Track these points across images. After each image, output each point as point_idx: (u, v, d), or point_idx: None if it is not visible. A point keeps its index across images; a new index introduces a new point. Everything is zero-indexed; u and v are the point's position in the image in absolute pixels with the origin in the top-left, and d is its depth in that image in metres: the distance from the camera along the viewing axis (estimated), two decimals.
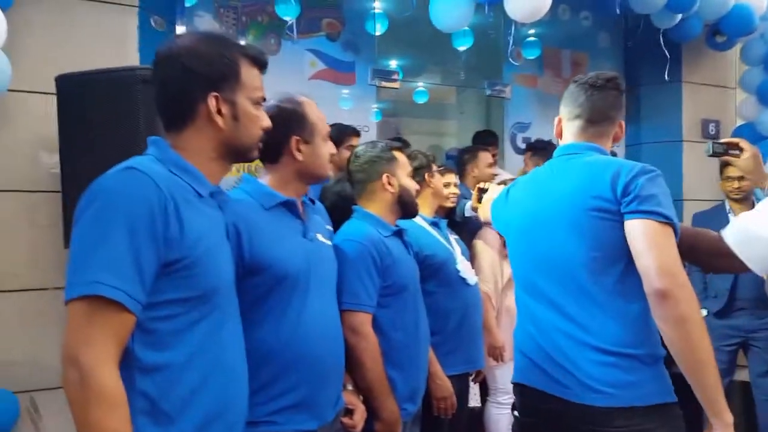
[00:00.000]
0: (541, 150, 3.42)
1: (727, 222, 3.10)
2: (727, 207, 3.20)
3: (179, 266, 1.07)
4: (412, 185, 1.97)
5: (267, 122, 1.26)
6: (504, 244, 2.79)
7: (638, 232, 1.35)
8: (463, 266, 2.33)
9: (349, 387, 1.75)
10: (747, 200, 3.13)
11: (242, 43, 1.23)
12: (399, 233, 1.97)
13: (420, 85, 4.42)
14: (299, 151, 1.50)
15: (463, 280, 2.31)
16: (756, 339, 3.05)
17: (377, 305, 1.81)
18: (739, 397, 3.31)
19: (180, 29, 3.26)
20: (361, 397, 1.77)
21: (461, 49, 3.88)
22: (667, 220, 1.35)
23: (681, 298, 1.29)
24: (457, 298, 2.28)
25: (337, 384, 1.57)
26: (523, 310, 1.60)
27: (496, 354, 2.69)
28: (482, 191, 1.98)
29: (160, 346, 1.07)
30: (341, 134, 2.87)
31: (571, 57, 4.62)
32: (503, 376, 2.83)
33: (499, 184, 2.77)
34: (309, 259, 1.49)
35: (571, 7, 4.48)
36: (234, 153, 1.23)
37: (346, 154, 2.82)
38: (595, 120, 1.55)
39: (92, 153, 1.92)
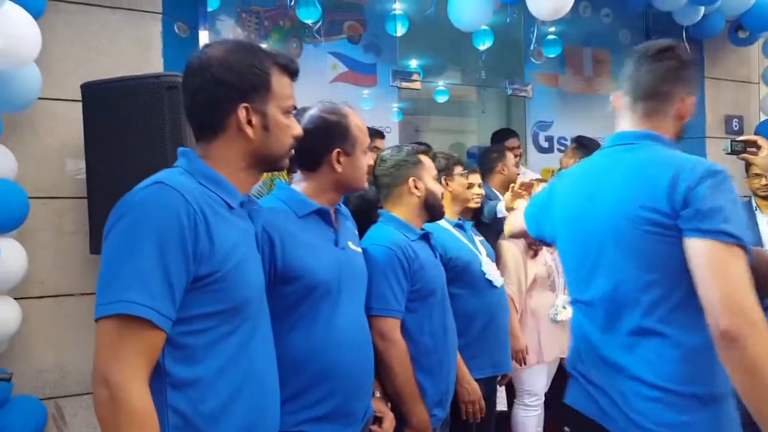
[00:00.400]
0: (586, 148, 3.34)
1: (755, 219, 3.08)
2: (754, 204, 3.14)
3: (210, 280, 1.07)
4: (438, 188, 1.96)
5: (298, 130, 1.24)
6: (529, 245, 2.76)
7: (700, 256, 1.14)
8: (489, 268, 2.31)
9: (378, 394, 1.73)
10: None
11: (272, 50, 1.19)
12: (426, 237, 1.97)
13: (441, 84, 4.41)
14: (339, 162, 1.50)
15: (489, 282, 2.29)
16: None
17: (405, 310, 1.80)
18: None
19: (203, 34, 3.29)
20: (390, 404, 1.76)
21: (482, 48, 3.86)
22: (735, 241, 1.13)
23: (752, 340, 1.07)
24: (483, 300, 2.26)
25: (367, 393, 1.56)
26: (576, 327, 1.44)
27: (519, 358, 2.66)
28: (525, 188, 1.89)
29: (191, 361, 1.06)
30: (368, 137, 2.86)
31: (593, 54, 4.59)
32: (530, 378, 2.81)
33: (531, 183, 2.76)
34: (340, 268, 1.47)
35: (592, 5, 4.45)
36: (264, 162, 1.22)
37: (370, 155, 2.82)
38: (643, 96, 1.34)
39: (118, 160, 1.94)
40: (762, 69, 4.63)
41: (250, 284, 1.16)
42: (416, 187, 1.92)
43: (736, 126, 4.73)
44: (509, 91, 4.21)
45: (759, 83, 4.73)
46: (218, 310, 1.09)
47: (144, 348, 0.99)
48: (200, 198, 1.08)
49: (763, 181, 3.03)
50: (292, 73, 1.22)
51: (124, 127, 1.96)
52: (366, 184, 1.57)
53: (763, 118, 4.65)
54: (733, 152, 1.72)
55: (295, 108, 1.23)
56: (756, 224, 3.08)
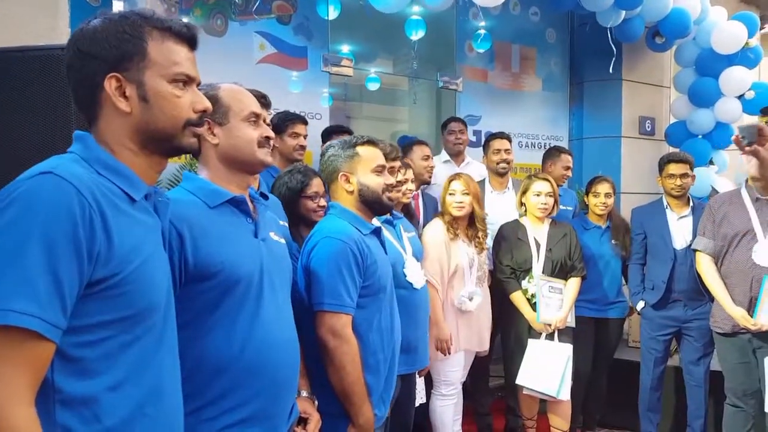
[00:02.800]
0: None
1: (665, 217, 3.27)
2: (665, 203, 3.33)
3: (108, 285, 0.95)
4: (375, 182, 1.85)
5: (201, 103, 1.10)
6: (447, 230, 2.77)
7: None
8: (411, 269, 2.29)
9: (304, 394, 1.67)
10: (684, 197, 3.27)
11: (152, 14, 1.07)
12: (377, 232, 1.91)
13: (372, 72, 4.35)
14: (213, 134, 1.38)
15: (410, 284, 2.27)
16: (689, 329, 3.21)
17: (356, 306, 1.74)
18: (672, 382, 3.50)
19: (117, 4, 3.06)
20: (317, 404, 1.71)
21: (414, 38, 3.84)
22: None
23: None
24: (403, 302, 2.15)
25: (292, 393, 1.48)
26: None
27: (443, 347, 2.69)
28: None
29: (85, 375, 0.94)
30: (284, 121, 2.74)
31: (521, 52, 4.68)
32: (447, 368, 2.85)
33: None
34: (262, 260, 1.38)
35: (521, 3, 4.53)
36: (156, 141, 1.07)
37: (290, 142, 2.73)
38: None
39: (15, 141, 1.73)
40: (673, 74, 4.92)
41: (156, 288, 1.04)
42: (348, 182, 1.85)
43: (648, 127, 5.02)
44: (440, 84, 4.22)
45: (670, 87, 5.03)
46: (118, 318, 0.97)
47: (29, 363, 0.86)
48: (97, 190, 0.95)
49: (678, 182, 3.21)
50: (184, 38, 1.08)
51: (23, 104, 1.75)
52: (263, 157, 1.44)
53: (672, 120, 4.95)
54: (749, 144, 1.73)
55: (189, 77, 1.09)
56: (666, 222, 3.27)
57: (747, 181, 2.87)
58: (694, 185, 3.43)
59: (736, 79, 4.36)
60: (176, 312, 1.16)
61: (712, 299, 2.97)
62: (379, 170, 1.87)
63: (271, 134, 1.48)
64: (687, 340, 3.23)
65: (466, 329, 2.87)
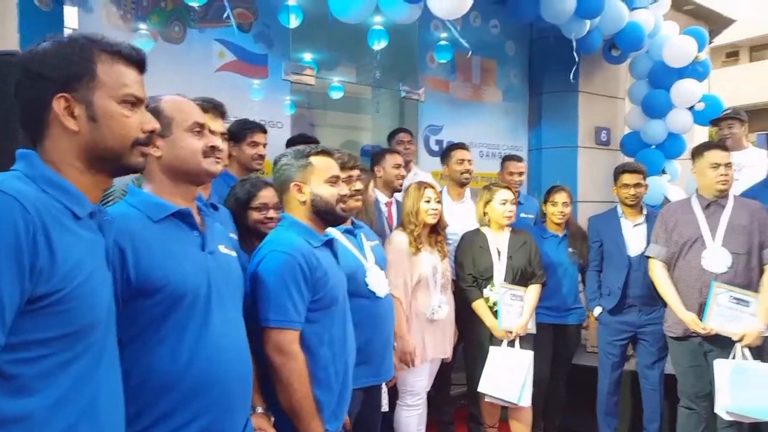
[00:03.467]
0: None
1: (620, 225, 3.36)
2: (619, 211, 3.42)
3: (49, 302, 0.94)
4: (328, 193, 1.83)
5: (150, 124, 1.13)
6: (410, 243, 2.78)
7: None
8: (374, 278, 2.26)
9: (259, 410, 1.64)
10: (638, 206, 3.36)
11: (102, 38, 1.11)
12: (329, 243, 1.89)
13: (335, 81, 4.34)
14: (156, 147, 1.36)
15: (373, 293, 2.24)
16: (644, 333, 3.29)
17: (305, 320, 1.71)
18: (628, 386, 3.58)
19: (70, 10, 2.97)
20: (273, 419, 1.67)
21: (376, 47, 3.86)
22: None
23: None
24: (365, 311, 2.18)
25: (244, 410, 1.45)
26: None
27: (407, 359, 2.69)
28: None
29: (20, 393, 0.92)
30: (242, 130, 2.69)
31: (481, 63, 4.75)
32: (412, 379, 2.84)
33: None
34: (209, 274, 1.36)
35: (482, 15, 4.61)
36: (104, 160, 1.09)
37: (249, 151, 2.68)
38: None
39: None
40: (628, 86, 5.08)
41: (98, 305, 1.03)
42: (300, 192, 1.82)
43: (604, 137, 5.16)
44: (402, 94, 4.25)
45: (625, 99, 5.19)
46: (58, 335, 0.95)
47: None
48: (41, 207, 0.95)
49: (632, 191, 3.31)
50: (133, 61, 1.13)
51: None
52: (211, 167, 1.42)
53: (627, 130, 5.10)
54: None
55: (137, 99, 1.12)
56: (621, 230, 3.36)
57: (697, 189, 2.98)
58: (648, 194, 3.54)
59: (686, 91, 4.53)
60: (121, 328, 1.15)
61: (665, 304, 3.07)
62: (333, 181, 1.85)
63: (217, 143, 1.46)
64: (642, 345, 3.32)
65: (432, 338, 2.88)
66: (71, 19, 2.98)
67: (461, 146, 3.54)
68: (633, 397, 3.56)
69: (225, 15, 3.06)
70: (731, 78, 18.31)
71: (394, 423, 2.89)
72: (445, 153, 3.59)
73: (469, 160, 3.49)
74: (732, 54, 20.01)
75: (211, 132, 1.48)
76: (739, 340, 2.70)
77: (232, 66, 3.49)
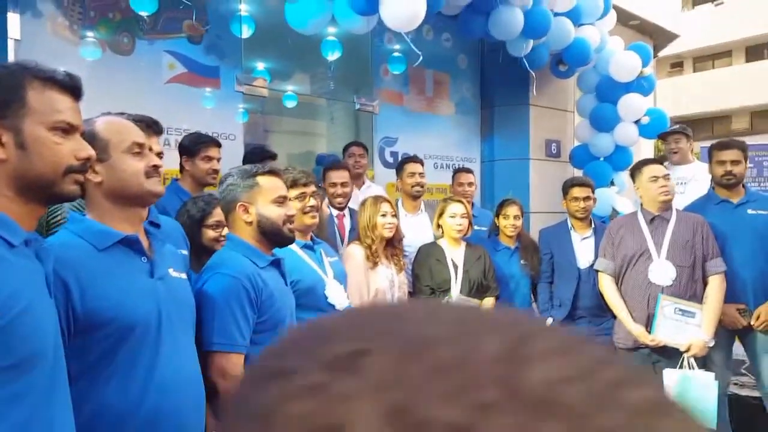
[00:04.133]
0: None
1: (569, 238, 3.45)
2: (569, 224, 3.51)
3: None
4: (275, 213, 1.80)
5: (85, 151, 1.10)
6: (367, 257, 2.78)
7: None
8: (333, 291, 2.26)
9: None
10: (587, 219, 3.46)
11: (35, 65, 1.09)
12: (277, 263, 1.86)
13: (289, 90, 4.31)
14: (95, 172, 1.33)
15: (332, 306, 2.24)
16: None
17: (250, 342, 1.68)
18: None
19: (12, 17, 2.84)
20: None
21: (330, 58, 3.85)
22: None
23: None
24: None
25: None
26: None
27: None
28: None
29: None
30: (196, 144, 2.64)
31: (434, 76, 4.80)
32: None
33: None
34: (159, 302, 1.33)
35: (434, 28, 4.66)
36: (35, 188, 1.06)
37: (203, 165, 2.63)
38: None
39: None
40: (576, 100, 5.23)
41: (41, 335, 1.00)
42: (247, 213, 1.79)
43: (554, 149, 5.30)
44: (357, 106, 4.26)
45: (574, 112, 5.34)
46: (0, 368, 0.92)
47: None
48: None
49: (582, 204, 3.40)
50: (67, 87, 1.11)
51: None
52: (152, 187, 1.38)
53: (576, 143, 5.25)
54: None
55: (71, 126, 1.10)
56: (570, 242, 3.45)
57: (641, 204, 3.09)
58: (596, 205, 3.64)
59: (632, 105, 4.70)
60: (69, 364, 1.11)
61: (614, 316, 3.16)
62: (280, 201, 1.82)
63: (159, 162, 1.42)
64: None
65: None
66: (14, 28, 2.86)
67: (413, 159, 3.57)
68: None
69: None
70: (676, 88, 19.15)
71: None
72: (399, 166, 3.62)
73: (421, 173, 3.52)
74: (676, 64, 20.93)
75: (151, 150, 1.44)
76: (686, 351, 2.80)
77: (182, 78, 3.42)
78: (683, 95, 18.97)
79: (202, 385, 1.46)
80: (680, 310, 2.84)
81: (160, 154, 1.92)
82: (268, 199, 1.80)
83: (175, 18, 3.25)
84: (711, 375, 2.77)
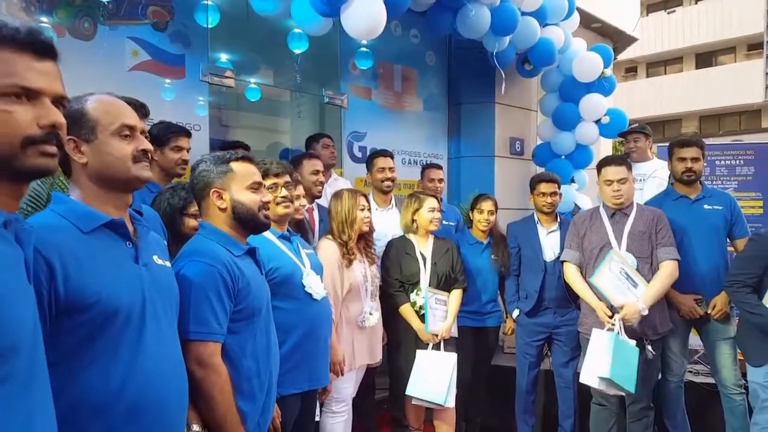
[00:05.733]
0: None
1: (536, 232, 3.51)
2: (536, 219, 3.58)
3: None
4: (250, 199, 1.77)
5: (49, 117, 0.97)
6: (343, 255, 2.77)
7: None
8: (311, 280, 2.25)
9: (195, 427, 1.57)
10: (553, 213, 3.53)
11: None
12: (252, 252, 1.83)
13: (253, 82, 4.23)
14: (81, 152, 1.28)
15: (309, 295, 2.23)
16: (559, 334, 3.46)
17: (227, 332, 1.65)
18: (543, 385, 3.74)
19: None
20: None
21: (297, 52, 3.80)
22: None
23: None
24: (302, 313, 2.19)
25: (180, 426, 1.40)
26: None
27: (336, 369, 2.66)
28: None
29: None
30: (165, 134, 2.59)
31: (403, 72, 4.81)
32: (339, 386, 2.82)
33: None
34: (143, 289, 1.29)
35: (402, 24, 4.67)
36: None
37: (172, 155, 2.58)
38: None
39: None
40: (540, 99, 5.33)
41: (17, 325, 0.91)
42: (221, 199, 1.76)
43: (518, 147, 5.39)
44: (325, 99, 4.23)
45: (537, 111, 5.44)
46: None
47: None
48: None
49: (549, 200, 3.46)
50: (25, 45, 0.96)
51: None
52: (141, 172, 1.33)
53: (539, 141, 5.35)
54: None
55: (27, 89, 0.96)
56: (537, 236, 3.51)
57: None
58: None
59: (593, 104, 4.81)
60: (48, 349, 1.03)
61: (578, 307, 3.24)
62: (255, 187, 1.79)
63: (149, 147, 1.37)
64: (557, 345, 3.48)
65: (360, 345, 2.88)
66: None
67: (383, 153, 3.56)
68: (549, 395, 3.72)
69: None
70: (631, 92, 19.77)
71: (319, 430, 2.85)
72: (369, 160, 3.61)
73: (391, 168, 3.52)
74: (631, 69, 21.61)
75: (142, 134, 1.38)
76: (619, 313, 2.86)
77: (146, 65, 3.32)
78: (637, 99, 19.60)
79: (186, 376, 1.43)
80: (626, 273, 2.92)
81: (144, 135, 1.86)
82: (242, 185, 1.77)
83: (138, 4, 3.15)
84: (633, 342, 2.86)
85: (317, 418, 2.70)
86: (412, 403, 3.09)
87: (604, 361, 2.79)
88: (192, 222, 2.09)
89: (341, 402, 2.85)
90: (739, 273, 2.91)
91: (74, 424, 1.14)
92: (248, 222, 1.78)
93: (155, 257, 1.39)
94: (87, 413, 1.16)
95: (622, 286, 2.91)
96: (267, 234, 2.22)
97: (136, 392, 1.23)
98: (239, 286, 1.67)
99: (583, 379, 2.93)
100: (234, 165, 1.78)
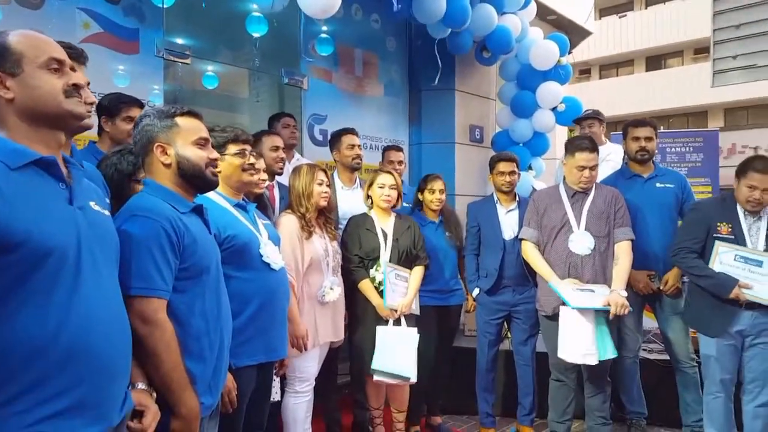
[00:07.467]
0: None
1: (496, 211, 3.55)
2: (495, 198, 3.61)
3: None
4: (197, 155, 1.71)
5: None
6: (302, 227, 2.73)
7: None
8: (269, 250, 2.20)
9: (140, 386, 1.51)
10: (512, 193, 3.57)
11: None
12: (198, 210, 1.76)
13: (212, 61, 4.13)
14: (6, 87, 1.22)
15: (267, 264, 2.19)
16: (518, 312, 3.50)
17: (173, 290, 1.59)
18: (503, 363, 3.78)
19: None
20: (155, 395, 1.55)
21: (256, 35, 3.73)
22: None
23: None
24: (259, 282, 2.14)
25: (123, 380, 1.35)
26: None
27: (299, 344, 2.62)
28: None
29: None
30: (117, 104, 2.51)
31: (363, 56, 4.79)
32: (302, 365, 2.78)
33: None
34: (79, 231, 1.24)
35: (363, 9, 4.64)
36: None
37: (124, 126, 2.50)
38: None
39: None
40: (498, 87, 5.41)
41: None
42: (165, 154, 1.69)
43: (478, 135, 5.44)
44: (285, 80, 4.16)
45: (496, 100, 5.52)
46: None
47: None
48: None
49: (508, 178, 3.50)
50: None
51: None
52: (69, 107, 1.27)
53: (498, 129, 5.43)
54: None
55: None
56: (497, 215, 3.54)
57: (564, 178, 3.23)
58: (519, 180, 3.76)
59: (550, 92, 4.91)
60: None
61: (536, 284, 3.28)
62: (202, 143, 1.73)
63: (81, 82, 1.31)
64: (516, 323, 3.52)
65: (323, 321, 2.84)
66: None
67: (351, 131, 3.53)
68: (508, 374, 3.77)
69: None
70: (584, 93, 20.28)
71: (281, 411, 2.80)
72: (335, 138, 3.55)
73: (360, 146, 3.50)
74: (585, 71, 22.19)
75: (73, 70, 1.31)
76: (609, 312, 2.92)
77: (98, 38, 3.20)
78: (591, 100, 20.14)
79: (129, 327, 1.37)
80: (589, 289, 2.98)
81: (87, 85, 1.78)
82: (188, 140, 1.70)
83: None
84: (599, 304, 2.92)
85: (278, 398, 2.64)
86: (375, 379, 3.06)
87: (590, 348, 2.88)
88: (140, 187, 2.01)
89: (305, 381, 2.81)
90: (683, 240, 3.02)
91: (6, 369, 1.09)
92: (194, 178, 1.72)
93: (92, 203, 1.33)
94: (19, 358, 1.10)
95: (588, 294, 2.95)
96: (222, 202, 2.17)
97: (72, 339, 1.17)
98: (185, 242, 1.60)
99: (560, 355, 2.97)
100: (179, 119, 1.71)
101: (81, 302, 1.20)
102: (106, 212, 1.39)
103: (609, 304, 2.90)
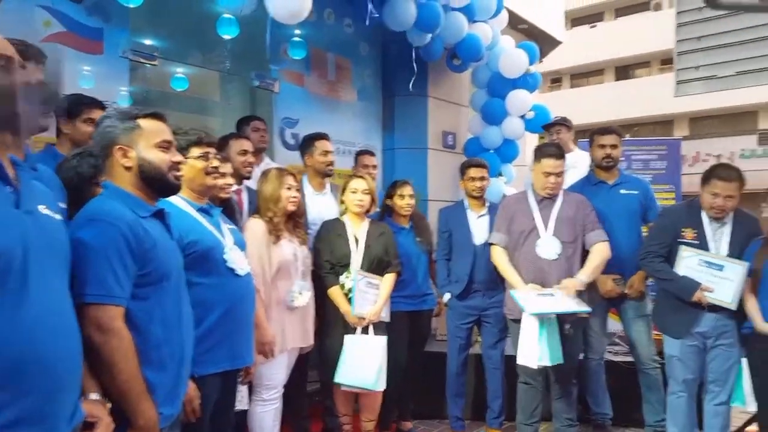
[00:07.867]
0: None
1: (466, 216, 3.56)
2: (466, 204, 3.63)
3: None
4: (159, 158, 1.67)
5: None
6: (270, 231, 2.70)
7: None
8: (233, 256, 2.17)
9: (93, 396, 1.45)
10: (482, 198, 3.60)
11: None
12: (160, 214, 1.73)
13: (179, 71, 4.06)
14: None
15: (231, 270, 2.15)
16: (487, 316, 3.52)
17: (132, 297, 1.55)
18: (473, 368, 3.79)
19: None
20: (109, 406, 1.49)
21: (226, 37, 3.68)
22: None
23: None
24: (223, 289, 2.10)
25: (73, 392, 1.29)
26: None
27: (266, 350, 2.58)
28: None
29: None
30: (77, 105, 2.45)
31: (336, 61, 4.77)
32: (270, 371, 2.74)
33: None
34: (26, 237, 1.18)
35: (335, 13, 4.63)
36: None
37: (84, 128, 2.44)
38: None
39: None
40: (470, 94, 5.45)
41: None
42: (126, 157, 1.65)
43: (451, 141, 5.47)
44: (255, 83, 4.12)
45: (468, 106, 5.56)
46: None
47: None
48: None
49: (478, 183, 3.52)
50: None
51: None
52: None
53: (469, 135, 5.47)
54: None
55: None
56: (467, 220, 3.56)
57: (532, 185, 3.26)
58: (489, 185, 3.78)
59: (519, 100, 4.97)
60: None
61: (505, 288, 3.31)
62: (165, 146, 1.69)
63: (32, 80, 1.27)
64: (486, 327, 3.54)
65: (292, 327, 2.80)
66: None
67: (325, 137, 3.47)
68: (478, 378, 3.78)
69: None
70: (555, 101, 20.60)
71: (248, 419, 2.75)
72: (307, 143, 3.50)
73: (332, 152, 3.47)
74: (556, 80, 22.56)
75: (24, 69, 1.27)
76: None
77: (60, 37, 3.11)
78: (562, 108, 20.47)
79: (79, 337, 1.31)
80: (549, 293, 2.99)
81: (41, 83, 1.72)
82: (150, 142, 1.67)
83: None
84: (554, 316, 2.95)
85: (245, 407, 2.60)
86: (342, 388, 3.04)
87: (542, 351, 2.89)
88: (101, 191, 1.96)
89: (272, 389, 2.76)
90: (650, 244, 3.09)
91: None
92: (156, 182, 1.68)
93: (42, 207, 1.28)
94: None
95: (548, 298, 2.97)
96: (185, 206, 2.13)
97: (17, 348, 1.12)
98: (145, 247, 1.56)
99: (520, 362, 2.98)
100: (142, 121, 1.67)
101: (28, 311, 1.15)
102: (58, 217, 1.34)
103: (562, 290, 2.95)
